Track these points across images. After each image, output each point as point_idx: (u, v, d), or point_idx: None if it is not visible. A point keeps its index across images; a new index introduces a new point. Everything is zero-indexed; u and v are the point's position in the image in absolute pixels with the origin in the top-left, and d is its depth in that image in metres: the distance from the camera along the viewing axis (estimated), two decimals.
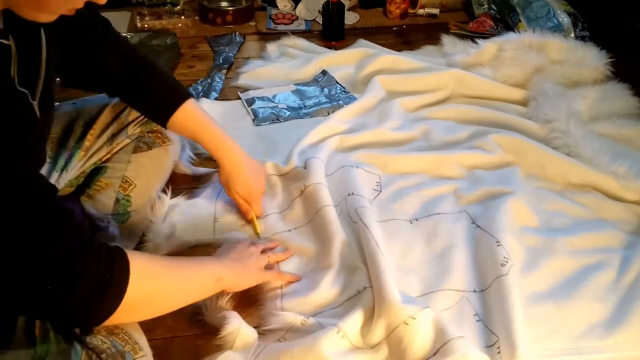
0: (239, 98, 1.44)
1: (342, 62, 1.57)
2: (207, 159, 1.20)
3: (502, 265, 0.89)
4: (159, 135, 1.04)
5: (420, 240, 1.00)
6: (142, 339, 0.71)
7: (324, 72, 1.52)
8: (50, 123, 0.78)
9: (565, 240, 1.00)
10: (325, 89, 1.47)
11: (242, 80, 1.51)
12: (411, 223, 1.03)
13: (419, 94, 1.40)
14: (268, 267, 0.90)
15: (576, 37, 1.58)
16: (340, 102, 1.41)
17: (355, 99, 1.40)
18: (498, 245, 0.93)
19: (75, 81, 0.93)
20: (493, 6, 1.85)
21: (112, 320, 0.63)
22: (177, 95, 0.93)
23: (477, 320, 0.86)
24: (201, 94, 1.45)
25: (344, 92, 1.46)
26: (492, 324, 0.84)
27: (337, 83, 1.49)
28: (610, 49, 1.47)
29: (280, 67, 1.55)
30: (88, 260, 0.59)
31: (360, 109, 1.35)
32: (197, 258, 0.87)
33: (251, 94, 1.45)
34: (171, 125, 0.93)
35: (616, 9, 1.64)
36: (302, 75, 1.53)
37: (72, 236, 0.59)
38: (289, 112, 1.38)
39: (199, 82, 1.50)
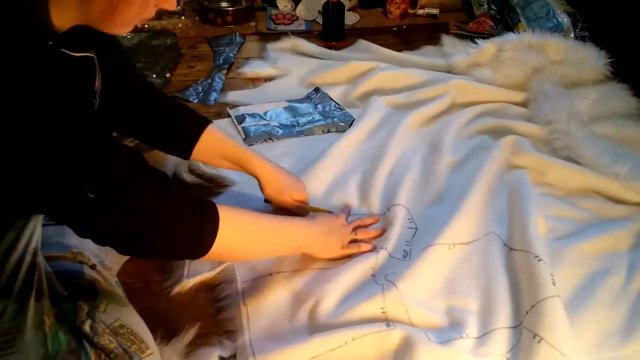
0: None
1: (335, 80, 1.51)
2: None
3: (553, 284, 0.86)
4: None
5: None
6: (148, 337, 0.71)
7: (317, 90, 1.46)
8: None
9: (572, 247, 0.99)
10: (319, 106, 1.40)
11: (231, 97, 1.44)
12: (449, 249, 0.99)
13: (421, 109, 1.36)
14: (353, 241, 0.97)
15: (576, 37, 1.58)
16: (335, 119, 1.34)
17: (350, 115, 1.36)
18: (539, 261, 0.90)
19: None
20: (493, 6, 1.85)
21: (203, 259, 0.73)
22: (199, 123, 0.93)
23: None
24: (201, 94, 1.45)
25: (339, 108, 1.39)
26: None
27: (331, 100, 1.42)
28: (610, 49, 1.47)
29: (271, 87, 1.50)
30: (188, 220, 0.68)
31: (361, 136, 1.28)
32: (286, 219, 0.90)
33: (241, 110, 1.37)
34: (195, 155, 0.94)
35: (616, 9, 1.64)
36: (293, 91, 1.47)
37: (175, 195, 0.67)
38: (281, 131, 1.30)
39: (199, 82, 1.50)
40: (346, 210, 1.06)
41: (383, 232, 1.01)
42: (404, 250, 0.98)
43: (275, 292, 0.91)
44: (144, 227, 0.63)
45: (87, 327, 0.64)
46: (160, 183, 0.66)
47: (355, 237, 0.97)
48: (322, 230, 0.92)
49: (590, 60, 1.44)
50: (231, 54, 1.64)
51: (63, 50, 0.59)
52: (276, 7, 1.93)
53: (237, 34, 1.76)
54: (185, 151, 0.94)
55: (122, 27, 0.63)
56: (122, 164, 0.61)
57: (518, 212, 1.02)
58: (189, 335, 0.83)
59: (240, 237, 0.76)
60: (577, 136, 1.22)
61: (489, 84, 1.45)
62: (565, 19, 1.61)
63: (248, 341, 0.83)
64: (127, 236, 0.63)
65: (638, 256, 0.98)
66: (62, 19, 0.58)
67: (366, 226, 1.02)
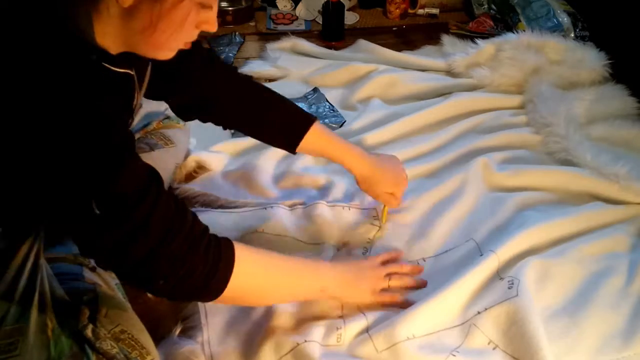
0: None
1: (334, 81, 1.51)
2: None
3: (509, 288, 0.87)
4: (162, 137, 1.04)
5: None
6: (149, 342, 0.72)
7: (315, 90, 1.47)
8: None
9: (572, 249, 0.98)
10: (313, 107, 1.41)
11: None
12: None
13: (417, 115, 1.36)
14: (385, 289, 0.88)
15: (576, 37, 1.58)
16: (326, 120, 1.35)
17: (342, 118, 1.36)
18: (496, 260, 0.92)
19: (190, 113, 0.92)
20: (493, 6, 1.85)
21: (216, 302, 0.68)
22: (304, 120, 0.94)
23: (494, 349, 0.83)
24: None
25: (332, 110, 1.40)
26: (514, 350, 0.81)
27: (327, 102, 1.43)
28: (610, 49, 1.47)
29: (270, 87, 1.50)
30: (199, 256, 0.63)
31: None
32: (309, 261, 0.86)
33: None
34: (300, 149, 0.94)
35: (616, 9, 1.64)
36: (293, 91, 1.47)
37: (189, 226, 0.63)
38: None
39: None
40: (390, 255, 0.95)
41: (424, 284, 0.91)
42: (364, 247, 0.99)
43: None
44: (147, 251, 0.59)
45: (89, 332, 0.65)
46: (175, 210, 0.62)
47: (388, 284, 0.88)
48: (349, 273, 0.85)
49: (588, 60, 1.44)
50: (231, 54, 1.64)
51: (104, 64, 0.60)
52: (276, 7, 1.93)
53: (237, 33, 1.76)
54: (291, 146, 0.94)
55: (165, 50, 0.63)
56: (135, 183, 0.58)
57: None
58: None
59: (258, 278, 0.71)
60: (574, 139, 1.21)
61: (488, 84, 1.45)
62: (565, 19, 1.61)
63: (207, 339, 0.82)
64: (129, 260, 0.59)
65: (638, 257, 0.98)
66: (107, 38, 0.59)
67: (404, 273, 0.92)
